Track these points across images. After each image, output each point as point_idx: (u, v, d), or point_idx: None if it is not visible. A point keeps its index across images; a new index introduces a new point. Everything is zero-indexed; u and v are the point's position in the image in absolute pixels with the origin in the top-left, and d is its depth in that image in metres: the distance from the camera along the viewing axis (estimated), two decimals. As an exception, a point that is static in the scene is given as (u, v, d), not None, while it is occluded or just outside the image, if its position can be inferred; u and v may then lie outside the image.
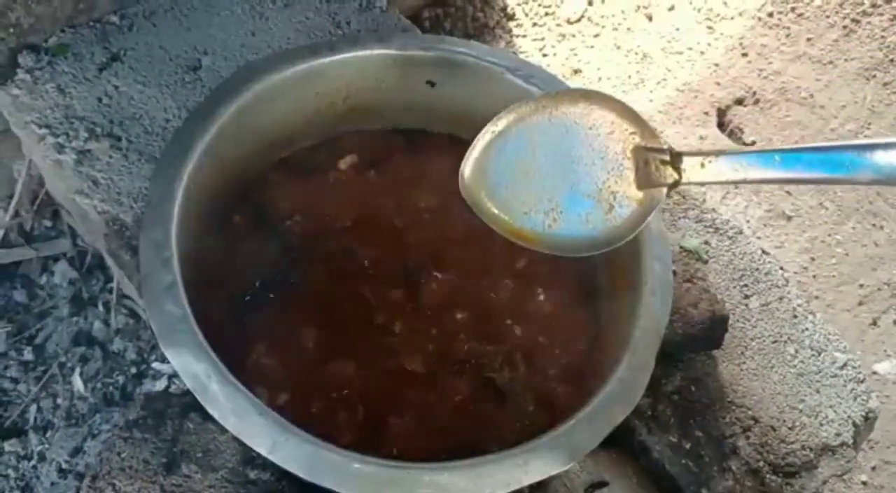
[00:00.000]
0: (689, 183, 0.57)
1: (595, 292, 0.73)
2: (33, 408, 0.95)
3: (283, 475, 0.71)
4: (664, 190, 0.58)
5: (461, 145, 0.76)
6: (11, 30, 0.86)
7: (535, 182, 0.58)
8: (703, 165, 0.56)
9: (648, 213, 0.58)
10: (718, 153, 0.56)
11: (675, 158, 0.57)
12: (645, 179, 0.58)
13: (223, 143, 0.66)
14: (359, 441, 0.63)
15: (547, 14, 1.30)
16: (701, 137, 1.32)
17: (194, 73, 0.87)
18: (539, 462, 0.57)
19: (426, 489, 0.55)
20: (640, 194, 0.58)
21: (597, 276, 0.73)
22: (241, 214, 0.70)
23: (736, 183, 0.56)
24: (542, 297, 0.71)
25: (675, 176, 0.57)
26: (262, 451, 0.56)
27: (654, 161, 0.57)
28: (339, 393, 0.66)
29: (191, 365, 0.56)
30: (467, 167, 0.58)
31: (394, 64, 0.74)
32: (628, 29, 1.34)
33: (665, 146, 0.57)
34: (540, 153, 0.58)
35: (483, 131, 0.58)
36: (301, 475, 0.55)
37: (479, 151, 0.58)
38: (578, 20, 1.32)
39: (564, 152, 0.58)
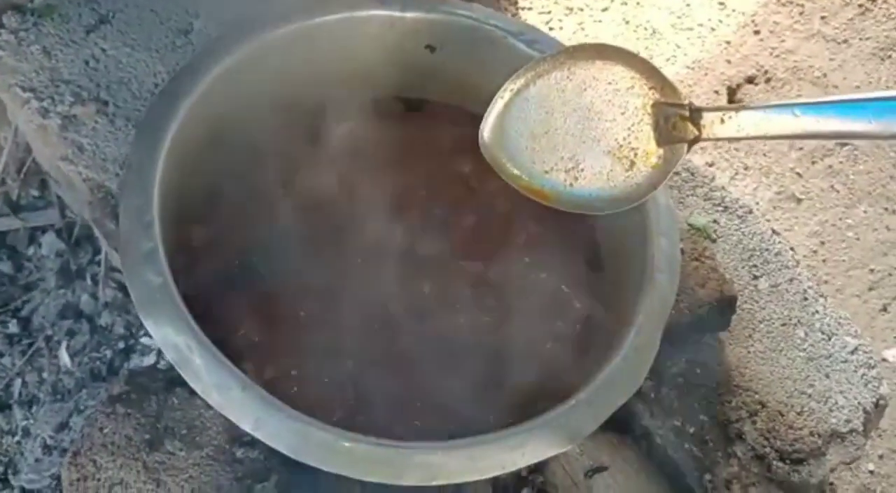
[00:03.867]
0: (709, 139, 0.55)
1: (599, 267, 0.70)
2: (18, 382, 0.93)
3: (270, 453, 0.68)
4: (685, 146, 0.56)
5: (461, 114, 0.75)
6: (-5, -11, 0.83)
7: (556, 140, 0.57)
8: (722, 121, 0.54)
9: (670, 169, 0.57)
10: (739, 108, 0.55)
11: (695, 114, 0.56)
12: (665, 136, 0.56)
13: (209, 105, 0.63)
14: (349, 418, 0.60)
15: (554, -14, 1.26)
16: (710, 116, 1.28)
17: (185, 37, 0.85)
18: (536, 444, 0.54)
19: (417, 470, 0.52)
20: (660, 151, 0.57)
21: (602, 251, 0.70)
22: (230, 181, 0.67)
23: (756, 139, 0.55)
24: (543, 272, 0.69)
25: (696, 132, 0.55)
26: (246, 427, 0.53)
27: (674, 117, 0.56)
28: (330, 369, 0.63)
29: (171, 336, 0.54)
30: (487, 127, 0.57)
31: (392, 26, 0.71)
32: (637, 3, 1.31)
33: (685, 102, 0.56)
34: (559, 111, 0.57)
35: (502, 90, 0.57)
36: (286, 452, 0.53)
37: (499, 110, 0.57)
38: (586, -7, 1.28)
39: (584, 109, 0.57)
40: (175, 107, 0.61)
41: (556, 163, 0.57)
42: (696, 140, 0.56)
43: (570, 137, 0.57)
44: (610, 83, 0.57)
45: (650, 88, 0.57)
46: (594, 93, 0.57)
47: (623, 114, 0.57)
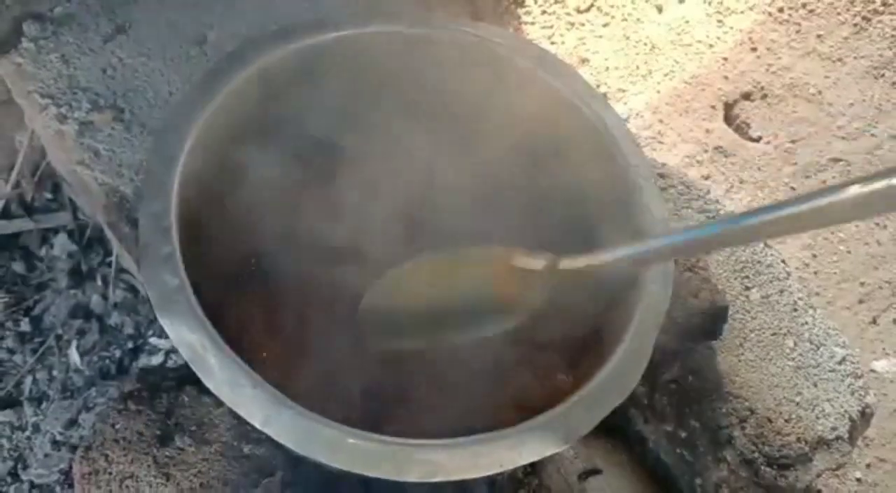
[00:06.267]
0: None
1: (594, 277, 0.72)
2: (29, 379, 0.95)
3: (277, 449, 0.71)
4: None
5: (468, 126, 0.77)
6: (17, -2, 0.86)
7: (436, 312, 0.64)
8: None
9: (551, 283, 0.60)
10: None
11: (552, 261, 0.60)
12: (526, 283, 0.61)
13: (225, 117, 0.66)
14: (355, 416, 0.62)
15: (556, 2, 1.29)
16: (707, 131, 1.31)
17: (199, 48, 0.87)
18: (534, 444, 0.57)
19: (419, 466, 0.55)
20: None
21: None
22: (242, 189, 0.70)
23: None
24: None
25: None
26: (256, 423, 0.55)
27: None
28: (337, 368, 0.66)
29: (186, 335, 0.56)
30: (365, 314, 0.63)
31: (400, 43, 0.73)
32: (638, 20, 1.34)
33: (540, 266, 0.60)
34: (432, 293, 0.64)
35: (375, 283, 0.63)
36: (294, 448, 0.55)
37: (373, 300, 0.63)
38: (588, 9, 1.31)
39: (453, 288, 0.64)
40: (191, 119, 0.64)
41: (443, 327, 0.64)
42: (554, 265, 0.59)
43: (451, 309, 0.63)
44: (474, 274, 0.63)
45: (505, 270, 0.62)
46: (460, 278, 0.63)
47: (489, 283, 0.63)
